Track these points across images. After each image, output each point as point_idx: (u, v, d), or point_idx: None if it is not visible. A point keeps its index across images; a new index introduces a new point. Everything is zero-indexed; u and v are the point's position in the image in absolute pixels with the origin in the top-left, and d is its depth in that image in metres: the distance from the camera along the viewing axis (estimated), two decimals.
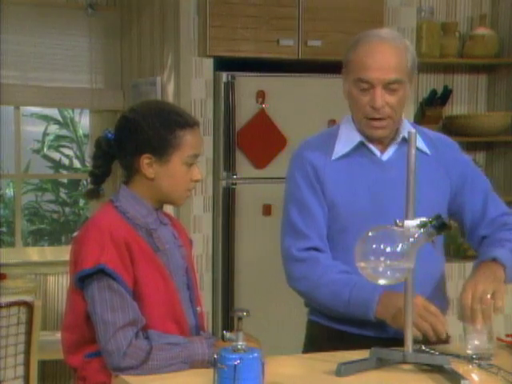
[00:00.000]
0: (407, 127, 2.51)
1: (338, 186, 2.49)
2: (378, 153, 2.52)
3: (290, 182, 2.58)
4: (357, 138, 2.51)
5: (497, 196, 2.64)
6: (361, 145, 2.52)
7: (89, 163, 6.93)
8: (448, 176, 2.56)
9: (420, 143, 2.53)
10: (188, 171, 2.31)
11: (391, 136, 2.52)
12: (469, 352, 2.28)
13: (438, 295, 2.55)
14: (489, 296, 2.29)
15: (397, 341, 2.27)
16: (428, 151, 2.55)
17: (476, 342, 2.28)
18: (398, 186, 2.36)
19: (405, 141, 2.47)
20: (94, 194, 2.39)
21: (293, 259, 2.50)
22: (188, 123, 2.31)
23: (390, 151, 2.52)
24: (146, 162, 2.28)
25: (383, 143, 2.52)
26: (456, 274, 4.86)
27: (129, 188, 2.33)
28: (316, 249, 2.49)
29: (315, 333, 2.62)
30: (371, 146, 2.51)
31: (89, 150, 6.05)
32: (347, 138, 2.52)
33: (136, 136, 2.28)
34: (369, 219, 2.39)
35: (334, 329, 2.53)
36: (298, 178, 2.53)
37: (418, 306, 2.28)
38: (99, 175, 2.39)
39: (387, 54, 2.42)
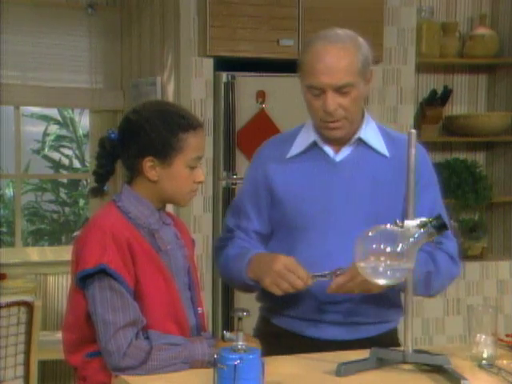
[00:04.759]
0: (368, 128, 2.49)
1: (286, 185, 2.49)
2: (331, 153, 2.48)
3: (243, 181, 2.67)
4: (311, 137, 2.50)
5: (445, 210, 2.53)
6: (314, 145, 2.50)
7: (89, 163, 6.92)
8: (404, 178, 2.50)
9: (378, 144, 2.50)
10: (191, 173, 2.30)
11: (348, 136, 2.48)
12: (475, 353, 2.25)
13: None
14: None
15: (333, 343, 2.39)
16: (387, 153, 2.49)
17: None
18: (350, 187, 2.41)
19: (361, 142, 2.48)
20: (98, 191, 2.38)
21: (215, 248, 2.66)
22: (191, 126, 2.29)
23: (345, 152, 2.49)
24: (148, 164, 2.27)
25: (339, 143, 2.49)
26: None
27: (131, 188, 2.33)
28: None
29: (262, 327, 2.62)
30: (324, 147, 2.49)
31: (89, 150, 6.05)
32: (303, 138, 2.52)
33: (139, 138, 2.27)
34: (315, 219, 2.43)
35: (276, 325, 2.55)
36: (246, 182, 2.61)
37: (279, 264, 2.33)
38: (103, 174, 2.38)
39: (335, 57, 2.35)
